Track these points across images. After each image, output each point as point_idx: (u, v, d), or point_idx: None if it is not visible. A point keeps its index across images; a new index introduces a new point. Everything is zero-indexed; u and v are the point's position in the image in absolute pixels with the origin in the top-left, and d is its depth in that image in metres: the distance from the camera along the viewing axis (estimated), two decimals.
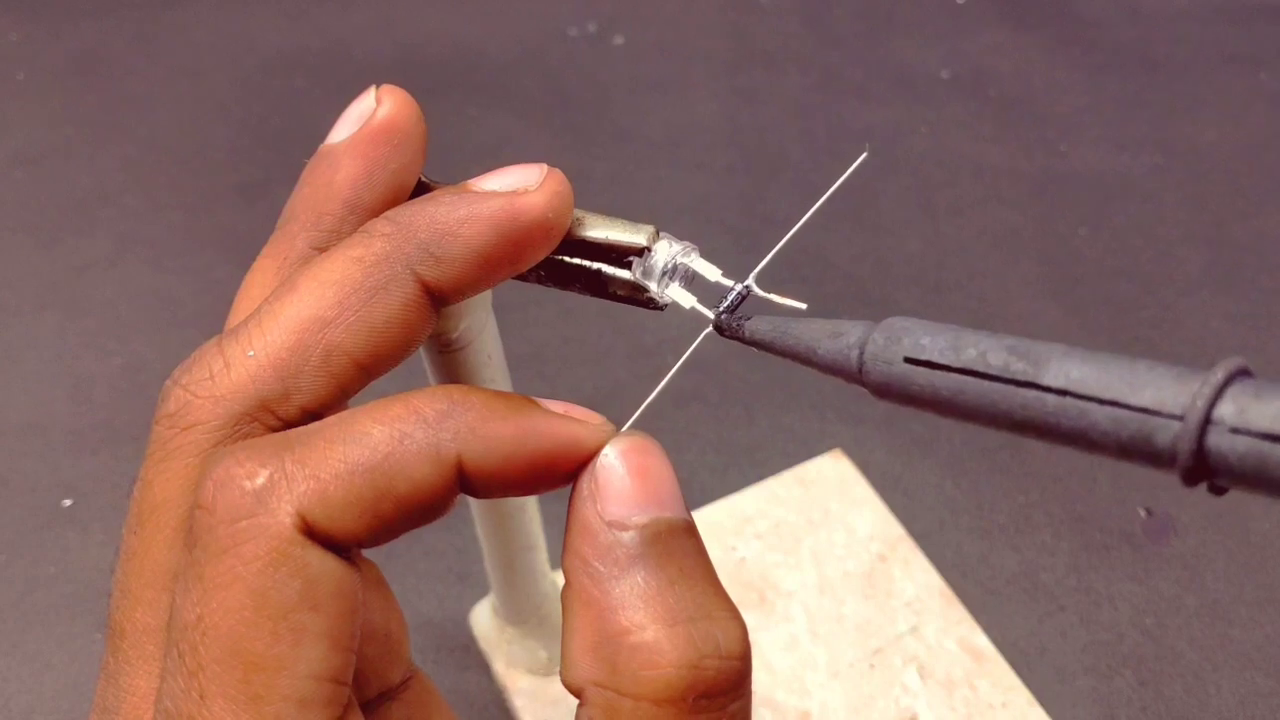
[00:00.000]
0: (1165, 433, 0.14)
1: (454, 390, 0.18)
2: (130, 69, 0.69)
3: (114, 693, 0.19)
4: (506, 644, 0.40)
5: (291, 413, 0.19)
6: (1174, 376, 0.14)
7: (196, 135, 0.65)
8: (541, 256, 0.21)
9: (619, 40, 0.71)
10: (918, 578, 0.44)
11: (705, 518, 0.45)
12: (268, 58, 0.70)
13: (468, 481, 0.18)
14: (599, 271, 0.21)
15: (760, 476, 0.47)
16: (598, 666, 0.17)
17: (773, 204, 0.60)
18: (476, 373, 0.26)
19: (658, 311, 0.22)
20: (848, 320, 0.18)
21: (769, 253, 0.22)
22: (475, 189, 0.20)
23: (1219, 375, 0.14)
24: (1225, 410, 0.14)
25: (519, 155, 0.23)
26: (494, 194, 0.20)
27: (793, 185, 0.61)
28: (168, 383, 0.19)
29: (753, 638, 0.30)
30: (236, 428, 0.19)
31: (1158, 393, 0.14)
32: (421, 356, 0.26)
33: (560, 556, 0.19)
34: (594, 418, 0.19)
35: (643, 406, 0.20)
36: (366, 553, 0.19)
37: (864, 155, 0.22)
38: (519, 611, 0.38)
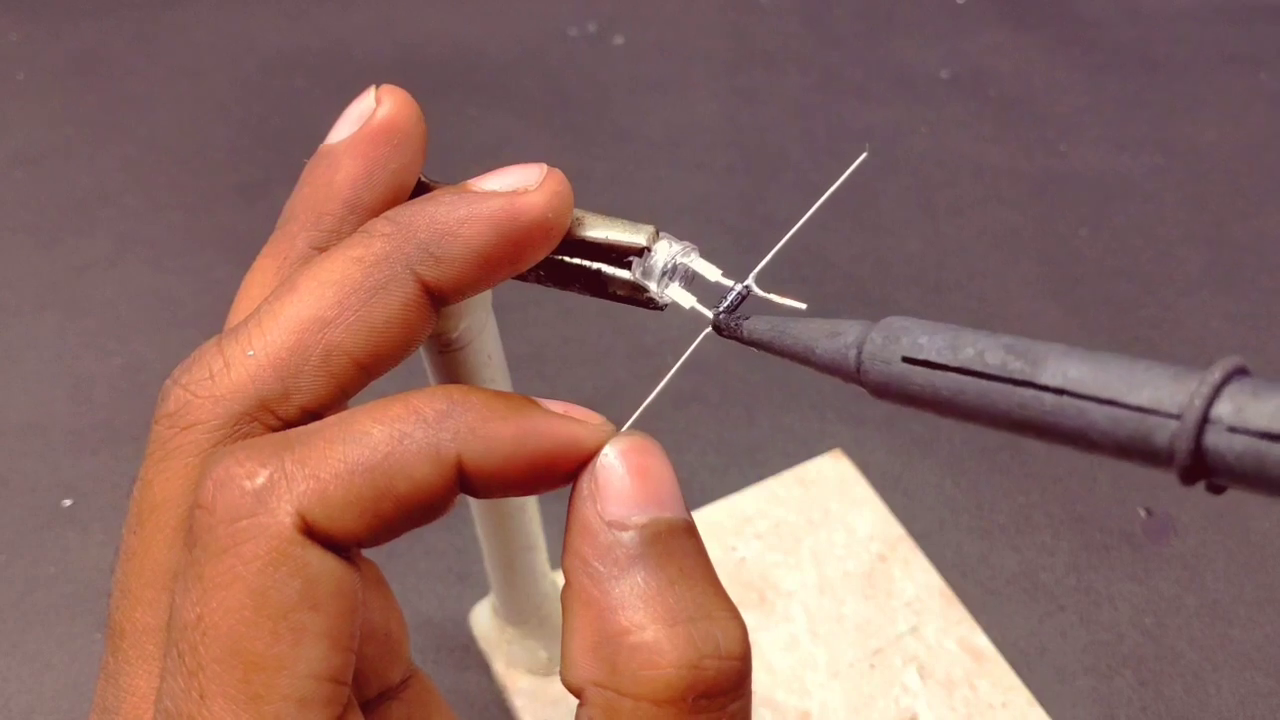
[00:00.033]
0: (1163, 432, 0.14)
1: (454, 390, 0.18)
2: (130, 69, 0.69)
3: (114, 692, 0.19)
4: (506, 644, 0.40)
5: (291, 412, 0.19)
6: (1171, 376, 0.14)
7: (196, 135, 0.65)
8: (541, 256, 0.21)
9: (619, 40, 0.71)
10: (918, 578, 0.44)
11: (705, 518, 0.45)
12: (268, 58, 0.70)
13: (467, 481, 0.18)
14: (599, 271, 0.21)
15: (760, 476, 0.47)
16: (598, 666, 0.17)
17: (773, 204, 0.60)
18: (476, 373, 0.26)
19: (657, 311, 0.22)
20: (846, 320, 0.18)
21: (769, 253, 0.22)
22: (475, 189, 0.20)
23: (1216, 374, 0.14)
24: (1223, 409, 0.14)
25: (519, 155, 0.23)
26: (494, 194, 0.20)
27: (793, 185, 0.61)
28: (167, 382, 0.19)
29: (753, 638, 0.30)
30: (236, 427, 0.19)
31: (1155, 392, 0.14)
32: (421, 356, 0.26)
33: (560, 556, 0.19)
34: (594, 418, 0.19)
35: (642, 406, 0.20)
36: (366, 552, 0.19)
37: (864, 155, 0.22)
38: (519, 611, 0.38)
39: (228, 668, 0.16)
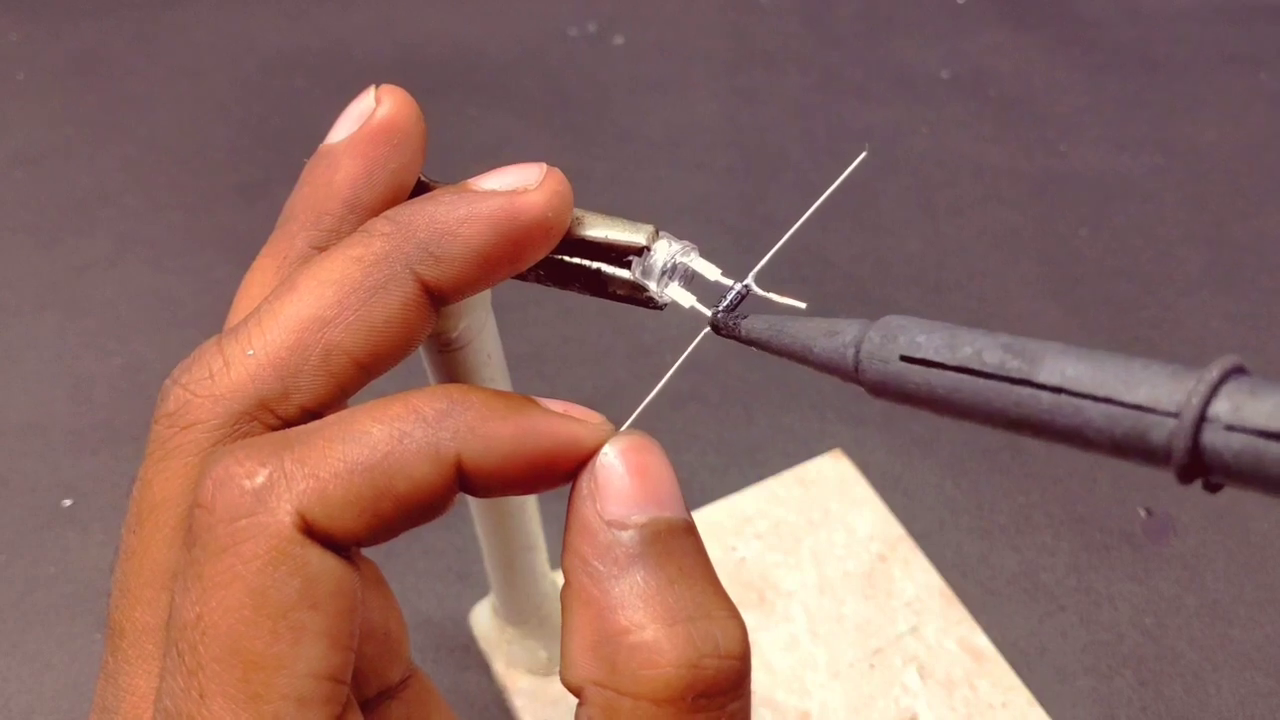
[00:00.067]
0: (1160, 430, 0.14)
1: (453, 389, 0.18)
2: (130, 69, 0.69)
3: (114, 692, 0.19)
4: (506, 644, 0.40)
5: (291, 412, 0.19)
6: (1169, 374, 0.14)
7: (196, 135, 0.65)
8: (541, 256, 0.21)
9: (619, 40, 0.71)
10: (918, 578, 0.44)
11: (705, 518, 0.45)
12: (268, 58, 0.70)
13: (467, 480, 0.18)
14: (598, 271, 0.21)
15: (760, 476, 0.47)
16: (597, 666, 0.17)
17: (772, 204, 0.60)
18: (476, 372, 0.26)
19: (657, 311, 0.22)
20: (844, 319, 0.18)
21: (768, 252, 0.22)
22: (475, 188, 0.20)
23: (1214, 373, 0.14)
24: (1220, 407, 0.14)
25: (519, 155, 0.23)
26: (494, 193, 0.20)
27: (793, 185, 0.61)
28: (167, 382, 0.19)
29: (753, 638, 0.30)
30: (236, 427, 0.19)
31: (1153, 390, 0.14)
32: (421, 356, 0.26)
33: (560, 556, 0.19)
34: (593, 417, 0.19)
35: (642, 406, 0.20)
36: (366, 552, 0.19)
37: (863, 155, 0.22)
38: (519, 611, 0.38)
39: (227, 667, 0.16)
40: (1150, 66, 0.69)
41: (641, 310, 0.22)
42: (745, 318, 0.20)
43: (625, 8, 0.73)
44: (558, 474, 0.19)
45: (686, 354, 0.21)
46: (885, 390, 0.17)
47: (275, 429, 0.19)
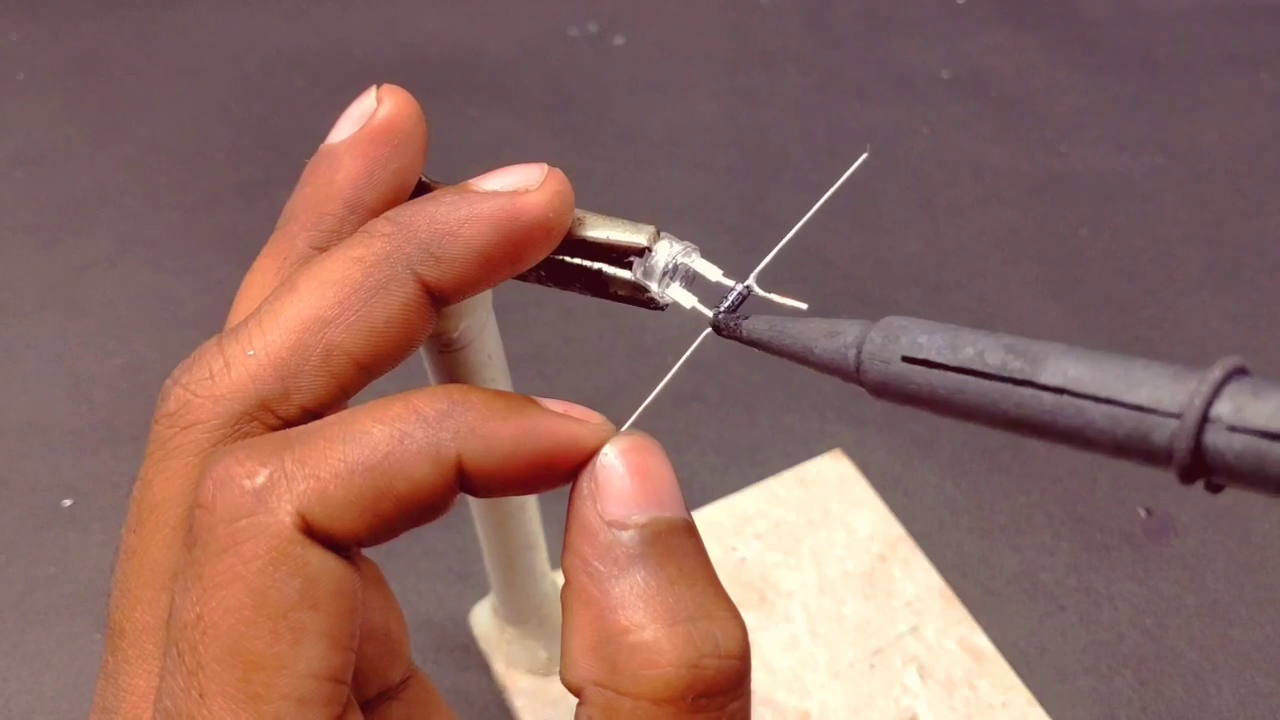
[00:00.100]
0: (1162, 430, 0.14)
1: (454, 390, 0.18)
2: (130, 69, 0.69)
3: (114, 692, 0.19)
4: (506, 644, 0.40)
5: (291, 412, 0.19)
6: (1171, 375, 0.14)
7: (196, 135, 0.65)
8: (542, 256, 0.21)
9: (619, 40, 0.71)
10: (918, 578, 0.44)
11: (705, 518, 0.45)
12: (268, 58, 0.70)
13: (468, 481, 0.18)
14: (599, 271, 0.21)
15: (760, 476, 0.47)
16: (597, 666, 0.17)
17: (773, 204, 0.60)
18: (477, 372, 0.26)
19: (658, 312, 0.22)
20: (845, 319, 0.18)
21: (769, 253, 0.22)
22: (476, 189, 0.20)
23: (1216, 373, 0.14)
24: (1223, 408, 0.14)
25: (519, 155, 0.23)
26: (494, 194, 0.20)
27: (793, 185, 0.61)
28: (168, 382, 0.19)
29: (753, 638, 0.30)
30: (236, 427, 0.19)
31: (1155, 391, 0.14)
32: (422, 356, 0.26)
33: (560, 556, 0.19)
34: (594, 417, 0.19)
35: (642, 406, 0.20)
36: (366, 552, 0.19)
37: (864, 156, 0.22)
38: (519, 611, 0.38)
39: (227, 667, 0.16)
40: (1150, 66, 0.69)
41: (642, 311, 0.22)
42: (747, 318, 0.20)
43: (625, 8, 0.73)
44: (558, 474, 0.19)
45: (688, 355, 0.21)
46: (887, 391, 0.17)
47: (276, 429, 0.19)
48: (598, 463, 0.19)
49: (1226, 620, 0.43)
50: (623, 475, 0.18)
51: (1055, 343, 0.16)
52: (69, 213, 0.60)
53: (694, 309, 0.21)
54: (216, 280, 0.56)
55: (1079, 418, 0.15)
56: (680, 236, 0.22)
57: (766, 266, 0.21)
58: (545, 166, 0.20)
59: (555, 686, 0.40)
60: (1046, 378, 0.15)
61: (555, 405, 0.19)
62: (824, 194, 0.22)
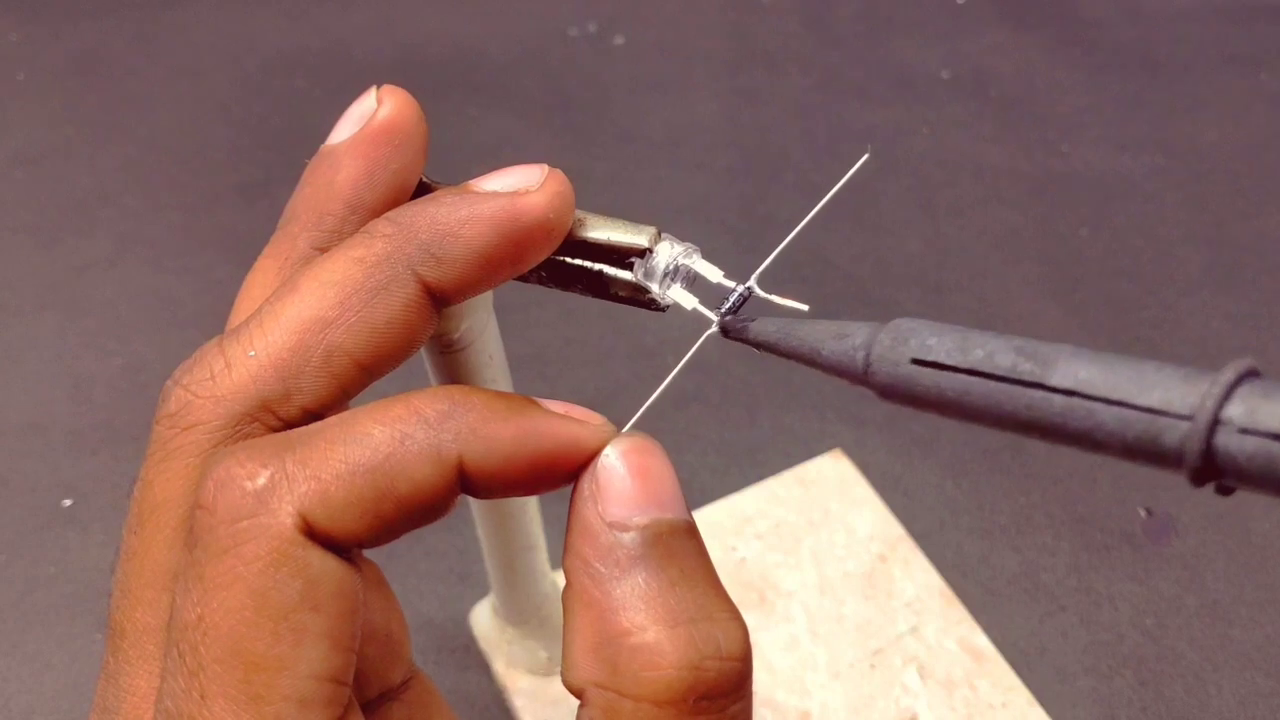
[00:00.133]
0: (1173, 433, 0.14)
1: (455, 391, 0.18)
2: (130, 69, 0.69)
3: (114, 692, 0.19)
4: (507, 644, 0.40)
5: (292, 413, 0.19)
6: (1182, 377, 0.14)
7: (196, 135, 0.65)
8: (543, 257, 0.21)
9: (619, 40, 0.71)
10: (918, 578, 0.44)
11: (705, 518, 0.45)
12: (268, 58, 0.70)
13: (468, 482, 0.18)
14: (600, 273, 0.21)
15: (760, 476, 0.47)
16: (598, 667, 0.17)
17: (773, 205, 0.60)
18: (478, 373, 0.26)
19: (659, 313, 0.22)
20: (853, 321, 0.18)
21: (770, 254, 0.22)
22: (476, 189, 0.20)
23: (1228, 375, 0.14)
24: (1234, 411, 0.13)
25: (519, 155, 0.23)
26: (495, 194, 0.20)
27: (793, 186, 0.61)
28: (168, 383, 0.19)
29: (753, 638, 0.30)
30: (237, 428, 0.18)
31: (1166, 393, 0.14)
32: (423, 357, 0.26)
33: (561, 557, 0.19)
34: (595, 418, 0.19)
35: (644, 407, 0.20)
36: (367, 553, 0.19)
37: (865, 156, 0.22)
38: (519, 612, 0.38)
39: (228, 668, 0.16)
40: (1150, 66, 0.69)
41: (643, 312, 0.22)
42: (753, 320, 0.20)
43: (625, 8, 0.73)
44: (559, 475, 0.19)
45: (689, 356, 0.21)
46: (895, 393, 0.17)
47: (277, 430, 0.19)
48: (599, 464, 0.19)
49: (1226, 620, 0.43)
50: (624, 476, 0.18)
51: (1065, 345, 0.16)
52: (69, 213, 0.60)
53: (695, 310, 0.21)
54: (216, 280, 0.56)
55: (1089, 420, 0.15)
56: (680, 237, 0.22)
57: (767, 267, 0.21)
58: (545, 167, 0.20)
59: (555, 687, 0.40)
60: (1057, 380, 0.15)
61: (556, 406, 0.19)
62: (824, 194, 0.22)
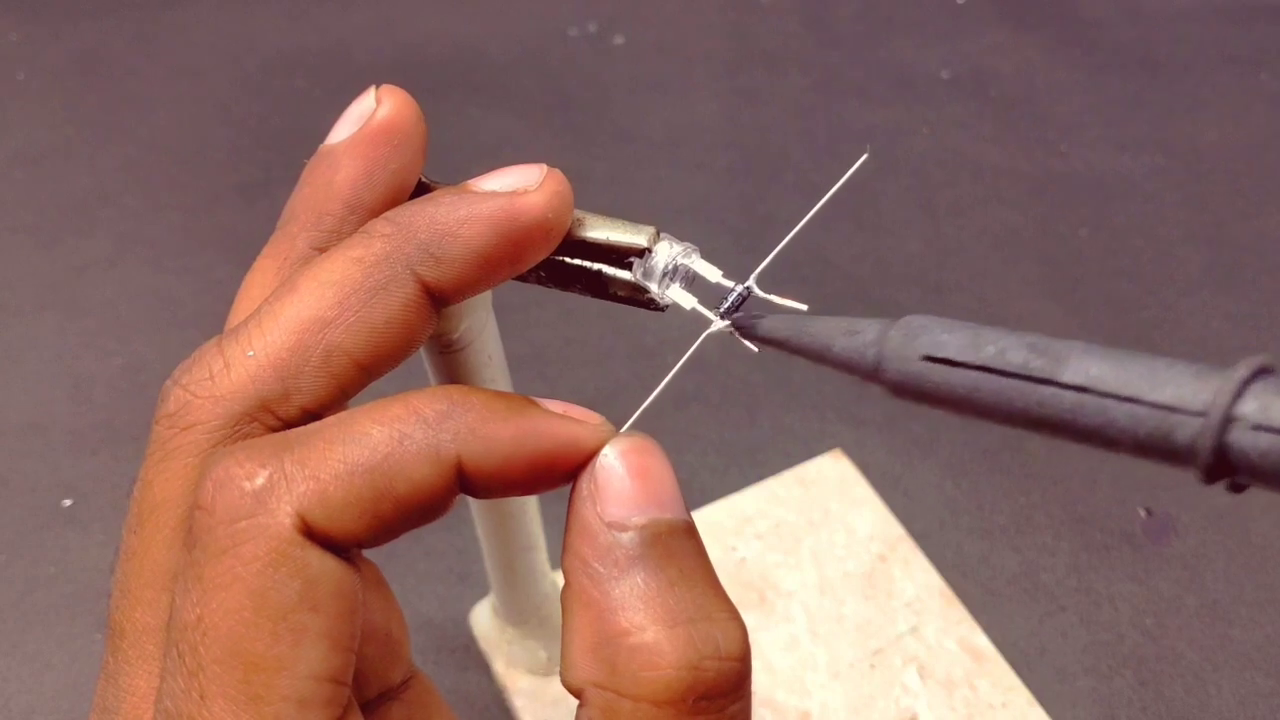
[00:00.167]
0: (1185, 430, 0.14)
1: (454, 391, 0.18)
2: (130, 69, 0.69)
3: (114, 693, 0.19)
4: (506, 644, 0.40)
5: (291, 413, 0.19)
6: (1195, 374, 0.14)
7: (196, 135, 0.65)
8: (542, 257, 0.21)
9: (619, 40, 0.71)
10: (918, 578, 0.43)
11: (705, 518, 0.45)
12: (268, 58, 0.70)
13: (467, 482, 0.18)
14: (599, 272, 0.21)
15: (760, 476, 0.47)
16: (597, 667, 0.17)
17: (773, 204, 0.60)
18: (477, 373, 0.26)
19: (658, 313, 0.22)
20: (864, 318, 0.18)
21: (770, 253, 0.22)
22: (475, 189, 0.20)
23: (1241, 372, 0.14)
24: (1248, 407, 0.13)
25: (519, 155, 0.23)
26: (494, 194, 0.20)
27: (793, 186, 0.61)
28: (167, 383, 0.19)
29: (753, 638, 0.30)
30: (236, 428, 0.18)
31: (1178, 390, 0.14)
32: (422, 357, 0.26)
33: (560, 556, 0.19)
34: (593, 418, 0.19)
35: (643, 407, 0.20)
36: (367, 553, 0.19)
37: (865, 156, 0.22)
38: (519, 612, 0.38)
39: (228, 668, 0.16)
40: (1150, 66, 0.69)
41: (643, 312, 0.22)
42: (762, 317, 0.20)
43: (625, 8, 0.73)
44: (558, 475, 0.19)
45: (688, 356, 0.21)
46: (906, 390, 0.17)
47: (275, 430, 0.19)
48: (597, 464, 0.19)
49: (1226, 620, 0.43)
50: (622, 476, 0.18)
51: (1077, 341, 0.16)
52: (69, 213, 0.60)
53: (694, 310, 0.21)
54: (216, 280, 0.56)
55: (1101, 416, 0.15)
56: (680, 237, 0.22)
57: (767, 267, 0.21)
58: (544, 167, 0.20)
59: (555, 687, 0.40)
60: (1068, 376, 0.15)
61: (555, 406, 0.19)
62: (824, 194, 0.22)
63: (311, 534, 0.17)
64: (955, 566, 0.44)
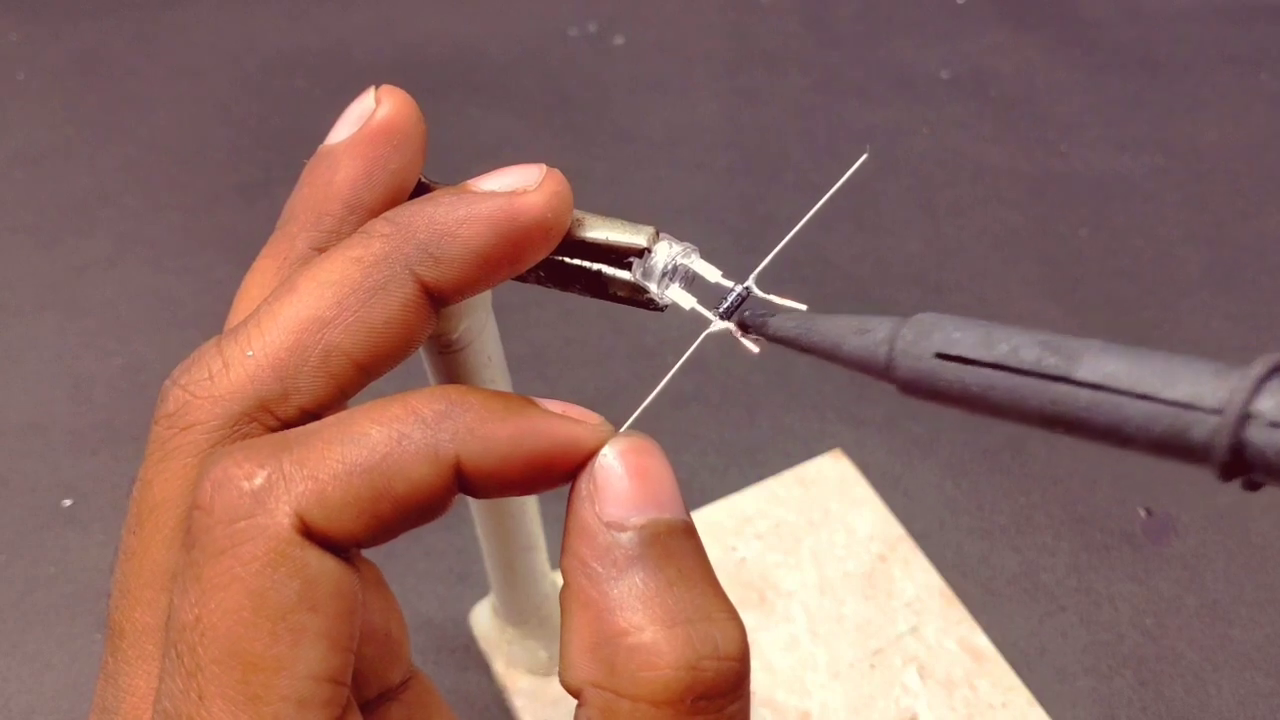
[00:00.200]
0: (1201, 427, 0.14)
1: (452, 390, 0.18)
2: (130, 69, 0.69)
3: (113, 692, 0.19)
4: (506, 644, 0.40)
5: (290, 413, 0.19)
6: (1211, 371, 0.14)
7: (196, 135, 0.65)
8: (541, 257, 0.21)
9: (619, 40, 0.71)
10: (918, 578, 0.43)
11: (705, 518, 0.45)
12: (268, 58, 0.70)
13: (466, 482, 0.18)
14: (599, 272, 0.21)
15: (760, 476, 0.47)
16: (596, 667, 0.17)
17: (773, 204, 0.60)
18: (476, 373, 0.26)
19: (658, 313, 0.22)
20: (874, 317, 0.18)
21: (769, 253, 0.22)
22: (474, 189, 0.20)
23: (1258, 369, 0.13)
24: (1265, 404, 0.13)
25: (519, 155, 0.23)
26: (493, 194, 0.20)
27: (793, 186, 0.61)
28: (167, 383, 0.19)
29: (753, 638, 0.30)
30: (235, 428, 0.18)
31: (1194, 387, 0.14)
32: (421, 357, 0.26)
33: (560, 557, 0.19)
34: (592, 418, 0.19)
35: (642, 407, 0.20)
36: (366, 553, 0.19)
37: (864, 156, 0.22)
38: (519, 611, 0.38)
39: (226, 668, 0.16)
40: (1150, 66, 0.69)
41: (642, 312, 0.22)
42: (771, 315, 0.20)
43: (625, 8, 0.73)
44: (557, 475, 0.19)
45: (688, 355, 0.21)
46: (918, 388, 0.17)
47: (274, 430, 0.19)
48: (596, 464, 0.19)
49: (1226, 620, 0.43)
50: (621, 476, 0.18)
51: (1092, 339, 0.15)
52: (69, 213, 0.60)
53: (694, 310, 0.21)
54: (216, 280, 0.56)
55: (1116, 414, 0.15)
56: (680, 236, 0.22)
57: (766, 267, 0.21)
58: (543, 167, 0.20)
59: (555, 687, 0.40)
60: (1083, 374, 0.15)
61: (554, 406, 0.19)
62: (824, 194, 0.21)
63: (310, 534, 0.17)
64: (955, 566, 0.44)
